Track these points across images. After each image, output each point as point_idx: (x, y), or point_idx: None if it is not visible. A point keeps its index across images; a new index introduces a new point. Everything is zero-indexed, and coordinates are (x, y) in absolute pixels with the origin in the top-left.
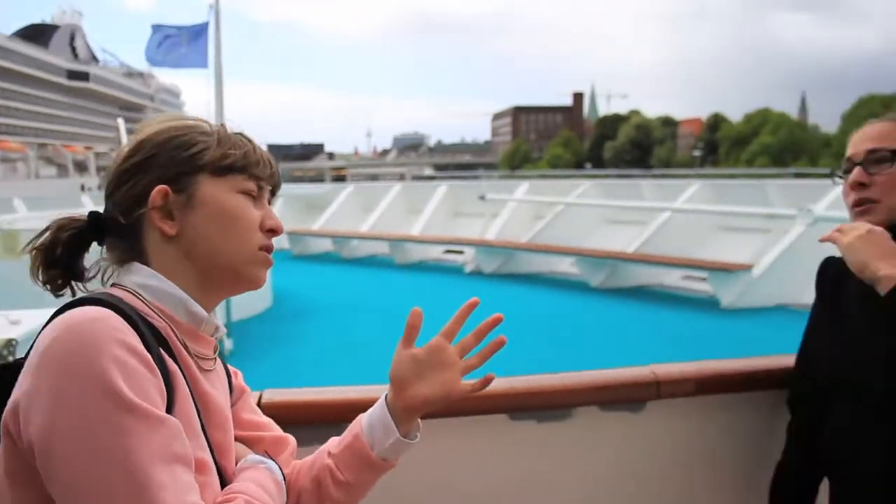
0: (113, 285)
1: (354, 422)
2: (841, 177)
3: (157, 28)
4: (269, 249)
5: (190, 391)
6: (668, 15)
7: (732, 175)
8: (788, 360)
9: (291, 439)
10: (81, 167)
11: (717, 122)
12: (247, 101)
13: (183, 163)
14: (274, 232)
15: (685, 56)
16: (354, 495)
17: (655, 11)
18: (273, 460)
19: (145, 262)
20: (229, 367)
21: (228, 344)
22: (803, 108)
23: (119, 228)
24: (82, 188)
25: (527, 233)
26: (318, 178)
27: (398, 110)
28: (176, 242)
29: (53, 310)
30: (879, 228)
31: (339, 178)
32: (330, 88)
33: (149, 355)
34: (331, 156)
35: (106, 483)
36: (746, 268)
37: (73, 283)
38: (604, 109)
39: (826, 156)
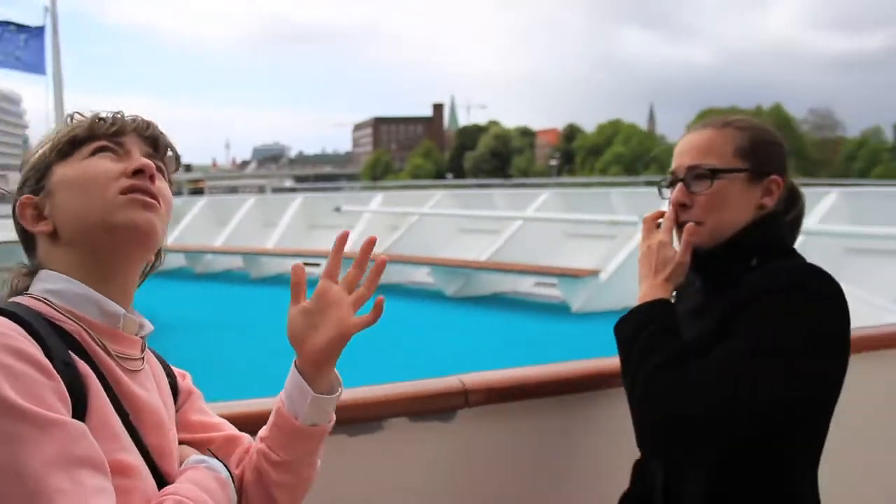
0: (22, 296)
1: (276, 399)
2: (667, 188)
3: None
4: (134, 189)
5: (113, 394)
6: (521, 29)
7: (587, 184)
8: (588, 364)
9: (245, 437)
10: None
11: (572, 132)
12: (94, 110)
13: (37, 167)
14: (141, 172)
15: (540, 69)
16: (298, 472)
17: (510, 25)
18: (219, 459)
19: (43, 265)
20: (175, 368)
21: None
22: (651, 119)
23: (26, 247)
24: None
25: (382, 243)
26: (174, 191)
27: (258, 121)
28: (58, 238)
29: None
30: (658, 242)
31: (197, 191)
32: (186, 97)
33: (45, 360)
34: (188, 167)
35: None
36: (594, 273)
37: None
38: (464, 120)
39: None
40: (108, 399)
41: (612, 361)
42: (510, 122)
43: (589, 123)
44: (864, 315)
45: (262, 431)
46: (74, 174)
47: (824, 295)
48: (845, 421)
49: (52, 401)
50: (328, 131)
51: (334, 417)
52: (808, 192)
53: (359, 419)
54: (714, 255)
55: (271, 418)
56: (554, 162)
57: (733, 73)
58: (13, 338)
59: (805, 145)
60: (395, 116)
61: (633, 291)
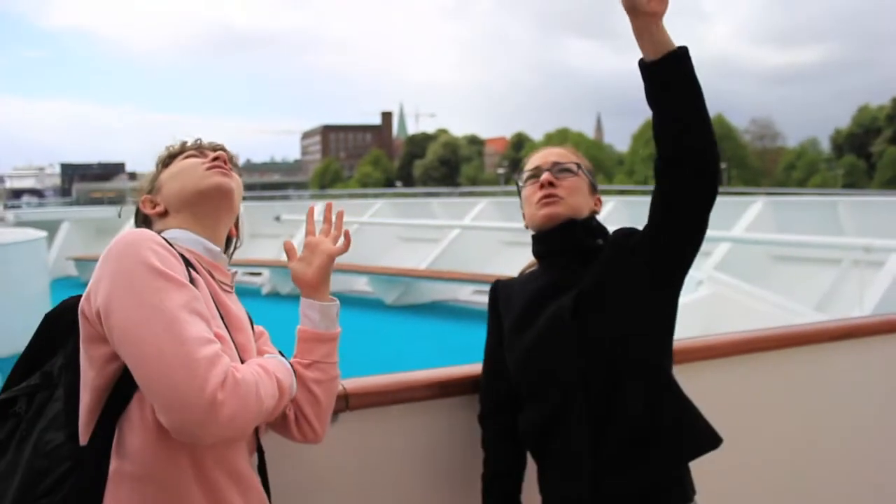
0: None
1: (297, 332)
2: (521, 184)
3: None
4: (213, 166)
5: (213, 299)
6: (469, 39)
7: (509, 193)
8: (470, 368)
9: None
10: None
11: (520, 140)
12: (31, 116)
13: (150, 178)
14: (217, 158)
15: (488, 78)
16: (324, 370)
17: (454, 34)
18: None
19: (162, 227)
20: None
21: None
22: (599, 128)
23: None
24: None
25: None
26: (118, 200)
27: (204, 128)
28: (167, 214)
29: None
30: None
31: None
32: (130, 104)
33: (177, 252)
34: (132, 176)
35: (147, 324)
36: None
37: None
38: (412, 128)
39: (620, 172)
40: (209, 296)
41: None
42: (459, 130)
43: (537, 132)
44: (781, 319)
45: (293, 357)
46: (175, 169)
47: None
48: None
49: (182, 274)
50: (276, 139)
51: (339, 328)
52: (735, 201)
53: None
54: (576, 230)
55: (297, 342)
56: (502, 170)
57: None
58: (159, 239)
59: (747, 155)
60: (343, 124)
61: None
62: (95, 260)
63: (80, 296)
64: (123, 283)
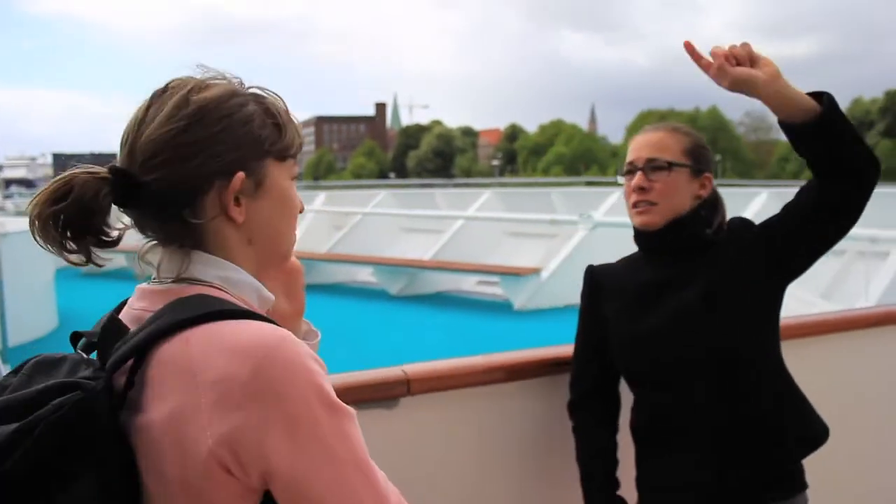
0: (185, 279)
1: None
2: (624, 175)
3: None
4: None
5: None
6: (460, 29)
7: (531, 184)
8: (518, 355)
9: None
10: None
11: (514, 132)
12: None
13: (252, 145)
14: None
15: (481, 69)
16: None
17: (448, 25)
18: None
19: (204, 248)
20: None
21: (5, 370)
22: (592, 120)
23: (157, 202)
24: None
25: (325, 243)
26: None
27: None
28: (239, 228)
29: None
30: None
31: None
32: (122, 92)
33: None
34: None
35: (350, 487)
36: (535, 271)
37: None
38: (406, 120)
39: (614, 165)
40: None
41: (548, 351)
42: (453, 121)
43: (531, 124)
44: (792, 308)
45: None
46: (286, 192)
47: None
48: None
49: None
50: None
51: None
52: (741, 192)
53: None
54: (676, 227)
55: None
56: (496, 162)
57: (671, 75)
58: (299, 341)
59: (741, 147)
60: (337, 115)
61: (572, 289)
62: None
63: (82, 395)
64: (308, 433)
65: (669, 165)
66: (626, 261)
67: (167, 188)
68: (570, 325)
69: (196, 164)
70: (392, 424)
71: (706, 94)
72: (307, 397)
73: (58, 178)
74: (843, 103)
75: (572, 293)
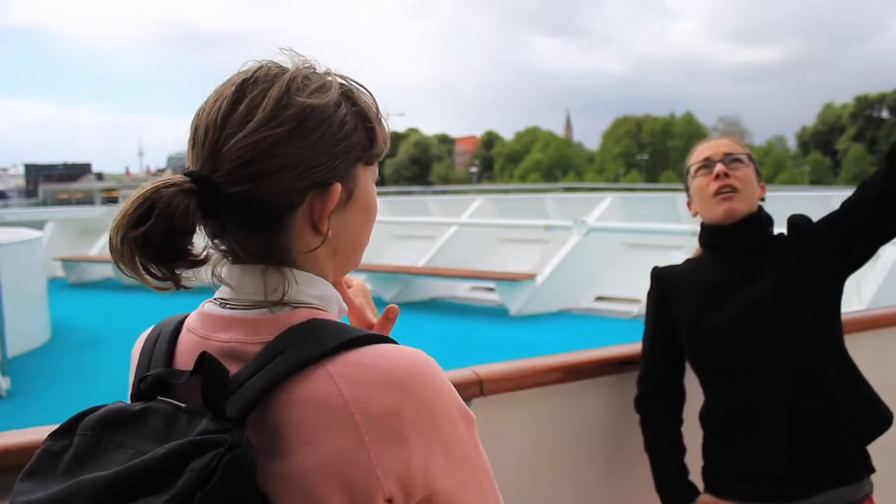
0: (284, 303)
1: None
2: (691, 175)
3: None
4: None
5: None
6: (433, 37)
7: (508, 190)
8: (583, 355)
9: None
10: None
11: (491, 139)
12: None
13: (348, 153)
14: None
15: (456, 76)
16: None
17: (419, 32)
18: None
19: (294, 264)
20: None
21: (5, 383)
22: (568, 126)
23: (245, 215)
24: None
25: None
26: (86, 201)
27: (171, 128)
28: (327, 241)
29: None
30: None
31: (111, 200)
32: (94, 104)
33: None
34: (99, 176)
35: (484, 493)
36: (531, 276)
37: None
38: None
39: (590, 171)
40: None
41: (618, 349)
42: (429, 129)
43: (507, 130)
44: None
45: None
46: (371, 199)
47: None
48: None
49: None
50: None
51: None
52: None
53: None
54: (750, 222)
55: None
56: (474, 169)
57: (645, 81)
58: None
59: None
60: None
61: (567, 294)
62: (84, 260)
63: (230, 454)
64: (459, 453)
65: (748, 158)
66: (691, 262)
67: (260, 200)
68: (567, 330)
69: (293, 175)
70: None
71: (680, 100)
72: (454, 416)
73: (137, 194)
74: (815, 108)
75: (568, 298)
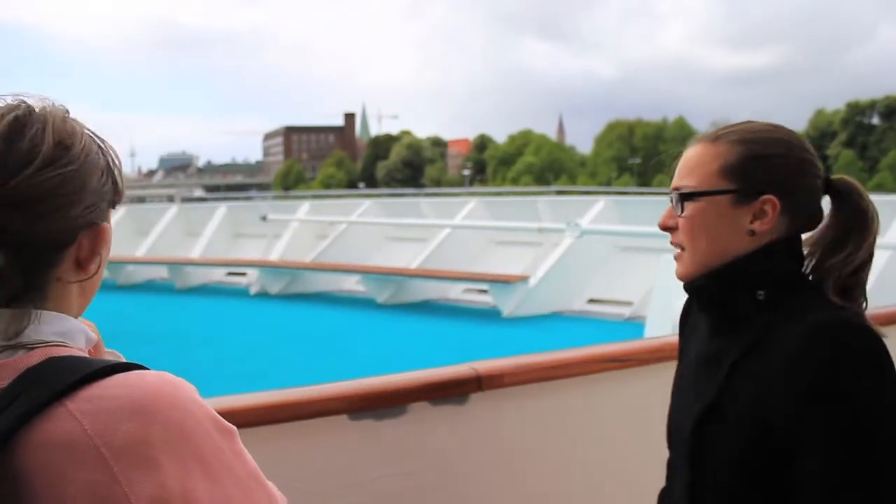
0: (20, 345)
1: None
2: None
3: None
4: None
5: None
6: (425, 40)
7: (501, 193)
8: (581, 351)
9: None
10: None
11: (483, 142)
12: None
13: (108, 194)
14: None
15: (448, 79)
16: None
17: (412, 35)
18: None
19: (38, 302)
20: None
21: None
22: (561, 129)
23: (17, 255)
24: None
25: (311, 252)
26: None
27: (163, 129)
28: (88, 279)
29: None
30: None
31: None
32: (85, 104)
33: None
34: None
35: (254, 499)
36: (524, 279)
37: None
38: (375, 130)
39: (583, 174)
40: None
41: (615, 346)
42: (422, 132)
43: (499, 133)
44: None
45: None
46: (111, 237)
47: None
48: None
49: None
50: (237, 140)
51: None
52: None
53: (386, 404)
54: (707, 288)
55: None
56: (467, 171)
57: (636, 85)
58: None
59: None
60: (306, 126)
61: (560, 296)
62: (128, 262)
63: None
64: (217, 467)
65: (689, 196)
66: None
67: (34, 239)
68: (559, 332)
69: (73, 214)
70: (463, 420)
71: (672, 104)
72: (208, 431)
73: None
74: (806, 114)
75: (560, 300)
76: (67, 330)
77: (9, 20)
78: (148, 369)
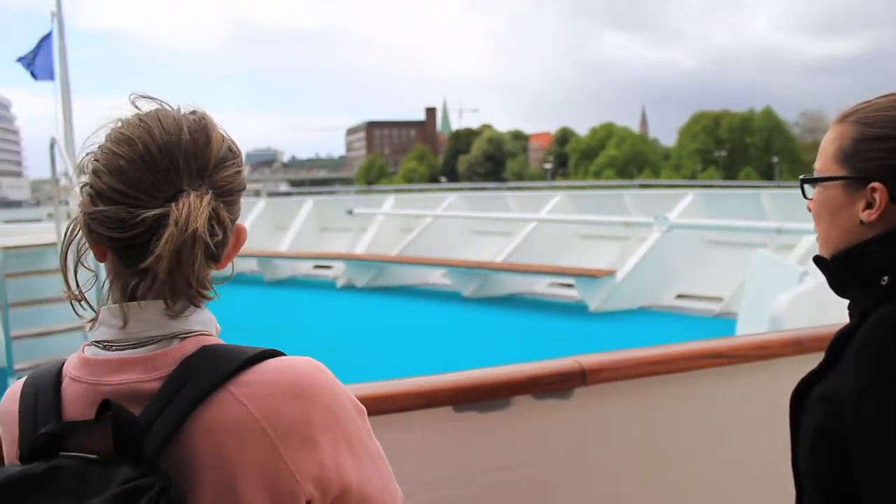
0: (174, 336)
1: None
2: None
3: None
4: None
5: None
6: (501, 33)
7: (585, 186)
8: (684, 347)
9: None
10: None
11: (565, 135)
12: (75, 115)
13: None
14: None
15: (527, 72)
16: None
17: (488, 29)
18: None
19: (189, 295)
20: None
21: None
22: (644, 122)
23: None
24: None
25: (396, 246)
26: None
27: (247, 125)
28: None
29: None
30: None
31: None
32: (170, 101)
33: None
34: None
35: (383, 475)
36: (611, 273)
37: None
38: (456, 124)
39: (667, 168)
40: None
41: (718, 342)
42: (502, 125)
43: (580, 126)
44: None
45: None
46: None
47: None
48: None
49: None
50: (320, 135)
51: None
52: (798, 195)
53: (490, 397)
54: (830, 272)
55: None
56: (548, 165)
57: (720, 76)
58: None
59: (797, 148)
60: (387, 120)
61: (647, 291)
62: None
63: (165, 498)
64: (359, 445)
65: (814, 181)
66: None
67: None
68: (648, 327)
69: (237, 209)
70: (568, 414)
71: (759, 94)
72: (351, 413)
73: None
74: None
75: (648, 295)
76: (207, 319)
77: (99, 26)
78: (286, 355)
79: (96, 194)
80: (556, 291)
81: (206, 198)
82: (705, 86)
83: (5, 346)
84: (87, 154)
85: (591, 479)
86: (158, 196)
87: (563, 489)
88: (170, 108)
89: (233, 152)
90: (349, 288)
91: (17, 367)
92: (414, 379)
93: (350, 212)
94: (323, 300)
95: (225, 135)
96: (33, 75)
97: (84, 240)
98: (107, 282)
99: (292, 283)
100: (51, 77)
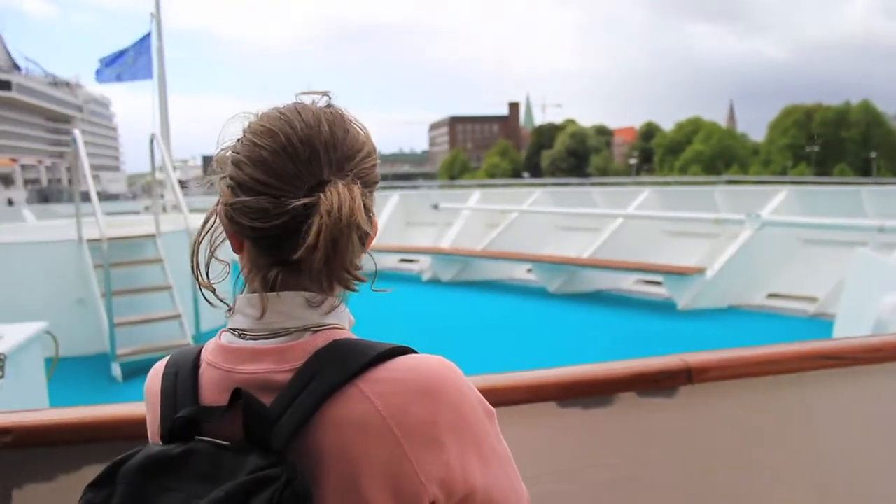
0: (317, 329)
1: None
2: None
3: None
4: None
5: None
6: (583, 26)
7: (672, 182)
8: (794, 347)
9: None
10: (7, 180)
11: (650, 130)
12: (170, 112)
13: None
14: None
15: (609, 65)
16: None
17: (570, 23)
18: None
19: (324, 287)
20: None
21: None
22: (731, 116)
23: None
24: (9, 202)
25: (482, 240)
26: None
27: None
28: None
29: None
30: None
31: None
32: (255, 99)
33: None
34: None
35: (511, 479)
36: (700, 271)
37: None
38: (539, 119)
39: (755, 163)
40: None
41: (829, 343)
42: (586, 120)
43: (665, 121)
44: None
45: None
46: None
47: None
48: None
49: None
50: (403, 130)
51: None
52: None
53: (594, 393)
54: None
55: None
56: (633, 160)
57: (812, 67)
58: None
59: None
60: (470, 115)
61: (738, 290)
62: None
63: (294, 490)
64: (487, 448)
65: None
66: None
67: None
68: (739, 326)
69: (372, 201)
70: (672, 413)
71: (856, 86)
72: (479, 415)
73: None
74: None
75: (739, 294)
76: (342, 312)
77: (188, 25)
78: (417, 352)
79: (237, 185)
80: (644, 289)
81: (356, 187)
82: (796, 78)
83: (109, 332)
84: (222, 149)
85: (693, 479)
86: (301, 186)
87: (665, 488)
88: (306, 104)
89: (369, 146)
90: (434, 282)
91: (119, 352)
92: (519, 373)
93: (436, 206)
94: (410, 294)
95: (361, 129)
96: (97, 76)
97: (215, 233)
98: (242, 272)
99: (379, 276)
100: (149, 76)
